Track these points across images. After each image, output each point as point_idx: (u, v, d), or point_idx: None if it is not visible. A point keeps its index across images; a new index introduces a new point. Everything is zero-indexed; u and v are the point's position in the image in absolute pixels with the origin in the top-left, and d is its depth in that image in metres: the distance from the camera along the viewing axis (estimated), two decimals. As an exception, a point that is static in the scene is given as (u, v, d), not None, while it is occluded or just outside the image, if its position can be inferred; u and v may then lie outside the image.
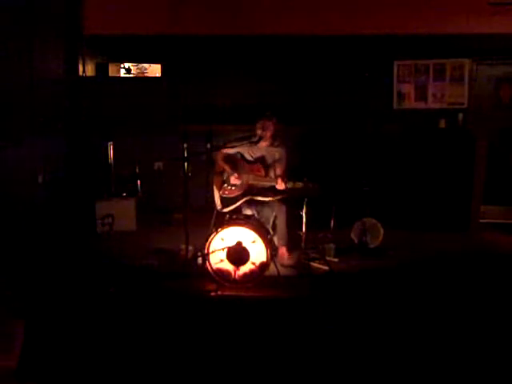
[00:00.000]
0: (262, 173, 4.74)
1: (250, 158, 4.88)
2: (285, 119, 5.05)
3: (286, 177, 4.65)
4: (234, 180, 4.77)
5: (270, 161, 4.83)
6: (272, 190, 4.73)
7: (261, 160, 4.83)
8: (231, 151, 4.88)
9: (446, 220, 5.91)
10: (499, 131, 6.51)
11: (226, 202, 4.75)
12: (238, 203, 4.72)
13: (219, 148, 4.93)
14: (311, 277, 4.50)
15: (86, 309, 3.73)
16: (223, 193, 4.77)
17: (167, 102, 6.66)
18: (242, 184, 4.75)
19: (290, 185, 4.53)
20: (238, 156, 4.87)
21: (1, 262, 4.30)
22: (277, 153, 4.85)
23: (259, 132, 4.76)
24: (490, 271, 4.61)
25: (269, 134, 4.79)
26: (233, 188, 4.76)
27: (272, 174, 4.79)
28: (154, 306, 3.80)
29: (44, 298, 3.91)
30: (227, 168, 4.80)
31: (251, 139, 4.81)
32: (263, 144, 4.84)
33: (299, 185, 4.52)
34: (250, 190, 4.74)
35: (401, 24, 6.39)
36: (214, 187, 4.86)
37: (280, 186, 4.60)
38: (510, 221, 6.14)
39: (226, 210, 4.72)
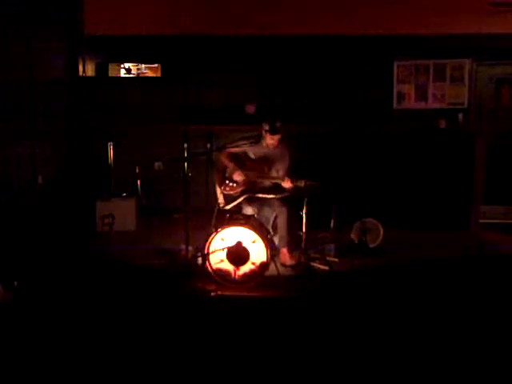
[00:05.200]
0: (266, 171, 4.77)
1: (253, 156, 4.89)
2: (285, 119, 5.04)
3: (289, 176, 4.67)
4: (236, 176, 4.77)
5: (273, 160, 4.83)
6: (273, 189, 4.74)
7: (264, 159, 4.84)
8: (235, 150, 4.89)
9: (447, 220, 5.90)
10: (499, 131, 6.50)
11: (227, 198, 4.77)
12: (239, 199, 4.73)
13: (222, 148, 4.94)
14: (311, 277, 4.50)
15: (85, 308, 3.73)
16: (224, 189, 4.78)
17: (167, 102, 6.66)
18: (243, 181, 4.76)
19: (294, 183, 4.57)
20: (243, 154, 4.89)
21: (1, 262, 4.30)
22: (280, 152, 4.85)
23: (263, 133, 4.78)
24: (490, 271, 4.61)
25: (276, 143, 4.80)
26: (234, 185, 4.77)
27: (274, 173, 4.80)
28: (154, 306, 3.80)
29: (44, 297, 3.91)
30: (231, 165, 4.81)
31: (251, 139, 4.82)
32: (268, 142, 4.85)
33: (302, 183, 4.56)
34: (251, 188, 4.75)
35: (401, 24, 6.39)
36: (216, 184, 4.87)
37: (286, 184, 4.62)
38: (510, 221, 6.13)
39: (228, 206, 4.73)
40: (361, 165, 6.24)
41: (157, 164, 6.71)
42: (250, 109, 6.37)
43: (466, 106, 6.56)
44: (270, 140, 4.76)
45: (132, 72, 6.81)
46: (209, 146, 6.13)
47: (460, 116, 6.43)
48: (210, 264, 4.23)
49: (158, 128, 6.55)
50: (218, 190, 4.83)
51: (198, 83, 6.64)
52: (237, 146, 4.87)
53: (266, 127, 4.72)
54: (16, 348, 3.19)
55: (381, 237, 5.21)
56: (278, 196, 4.72)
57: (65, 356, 3.09)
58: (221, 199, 4.80)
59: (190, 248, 4.53)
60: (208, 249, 4.22)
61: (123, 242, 5.37)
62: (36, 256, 4.72)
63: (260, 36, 6.56)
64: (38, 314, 3.64)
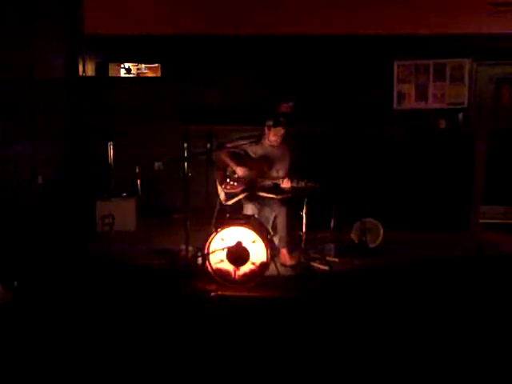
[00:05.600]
0: (266, 170, 4.78)
1: (254, 155, 4.89)
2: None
3: (289, 176, 4.68)
4: (238, 172, 4.78)
5: (273, 160, 4.84)
6: (274, 189, 4.74)
7: (264, 158, 4.84)
8: (236, 149, 4.90)
9: (446, 220, 5.90)
10: (499, 131, 6.50)
11: (228, 196, 4.78)
12: (241, 195, 4.74)
13: (222, 146, 4.94)
14: (311, 277, 4.50)
15: (86, 309, 3.73)
16: (225, 187, 4.79)
17: (167, 102, 6.66)
18: (243, 179, 4.77)
19: (294, 183, 4.59)
20: (243, 153, 4.89)
21: (1, 262, 4.30)
22: (281, 152, 4.86)
23: (267, 132, 4.79)
24: (490, 271, 4.61)
25: (279, 140, 4.82)
26: (235, 184, 4.78)
27: (275, 173, 4.81)
28: (154, 306, 3.80)
29: (44, 297, 3.91)
30: (231, 164, 4.82)
31: (251, 139, 4.82)
32: (267, 143, 4.86)
33: (302, 184, 4.57)
34: (252, 187, 4.76)
35: (401, 24, 6.39)
36: (217, 182, 4.88)
37: (286, 184, 4.63)
38: (510, 221, 6.13)
39: (230, 202, 4.75)
40: (361, 165, 6.24)
41: (157, 164, 6.71)
42: (286, 107, 6.25)
43: (466, 105, 6.56)
44: (273, 136, 4.77)
45: (132, 72, 6.81)
46: (209, 145, 6.13)
47: (460, 116, 6.42)
48: (210, 264, 4.23)
49: (158, 128, 6.55)
50: (219, 188, 4.85)
51: (198, 83, 6.64)
52: (236, 146, 4.87)
53: (270, 122, 4.74)
54: (16, 348, 3.19)
55: (381, 237, 5.21)
56: (279, 197, 4.73)
57: (65, 356, 3.09)
58: (222, 196, 4.81)
59: (190, 248, 4.53)
60: (208, 249, 4.22)
61: (123, 242, 5.37)
62: (36, 256, 4.72)
63: (260, 36, 6.56)
64: (38, 313, 3.64)
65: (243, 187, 4.77)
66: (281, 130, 4.77)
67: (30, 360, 3.05)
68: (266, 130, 4.79)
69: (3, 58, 5.26)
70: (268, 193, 4.76)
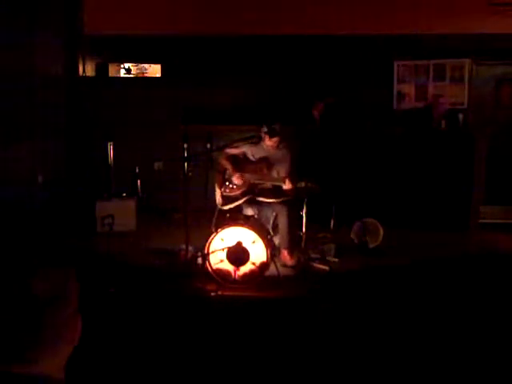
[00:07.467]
0: (265, 172, 4.76)
1: (253, 158, 4.87)
2: (284, 119, 5.04)
3: (290, 177, 4.66)
4: (235, 179, 4.76)
5: (273, 161, 4.82)
6: (274, 192, 4.73)
7: (264, 160, 4.82)
8: (235, 151, 4.88)
9: (446, 220, 5.90)
10: (499, 131, 6.51)
11: (226, 200, 4.76)
12: (239, 201, 4.72)
13: (222, 148, 4.93)
14: (311, 277, 4.50)
15: (85, 309, 3.72)
16: (224, 191, 4.77)
17: (167, 102, 6.66)
18: (243, 183, 4.75)
19: (296, 184, 4.55)
20: (242, 156, 4.88)
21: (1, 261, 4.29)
22: (281, 153, 4.83)
23: (263, 135, 4.77)
24: (490, 271, 4.61)
25: (275, 145, 4.80)
26: (234, 187, 4.76)
27: (275, 174, 4.78)
28: (154, 306, 3.80)
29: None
30: (230, 167, 4.81)
31: (251, 140, 4.82)
32: (267, 144, 4.83)
33: (302, 184, 4.55)
34: (251, 190, 4.74)
35: (401, 24, 6.39)
36: (216, 185, 4.86)
37: (288, 185, 4.57)
38: (510, 221, 6.13)
39: (226, 207, 4.73)
40: (361, 165, 6.24)
41: (157, 164, 6.71)
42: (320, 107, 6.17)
43: (465, 106, 6.56)
44: (269, 142, 4.76)
45: (132, 72, 6.81)
46: (209, 146, 6.13)
47: (460, 116, 6.42)
48: (210, 264, 4.23)
49: (157, 128, 6.55)
50: (218, 191, 4.83)
51: (198, 83, 6.64)
52: (237, 147, 4.86)
53: (265, 129, 4.72)
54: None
55: (381, 237, 5.21)
56: (279, 200, 4.70)
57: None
58: (218, 200, 4.79)
59: (190, 248, 4.53)
60: (208, 249, 4.22)
61: (123, 242, 5.37)
62: (35, 256, 4.71)
63: (260, 36, 6.57)
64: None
65: (242, 190, 4.74)
66: (275, 139, 4.74)
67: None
68: (263, 134, 4.77)
69: (3, 58, 5.26)
70: (267, 197, 4.71)
